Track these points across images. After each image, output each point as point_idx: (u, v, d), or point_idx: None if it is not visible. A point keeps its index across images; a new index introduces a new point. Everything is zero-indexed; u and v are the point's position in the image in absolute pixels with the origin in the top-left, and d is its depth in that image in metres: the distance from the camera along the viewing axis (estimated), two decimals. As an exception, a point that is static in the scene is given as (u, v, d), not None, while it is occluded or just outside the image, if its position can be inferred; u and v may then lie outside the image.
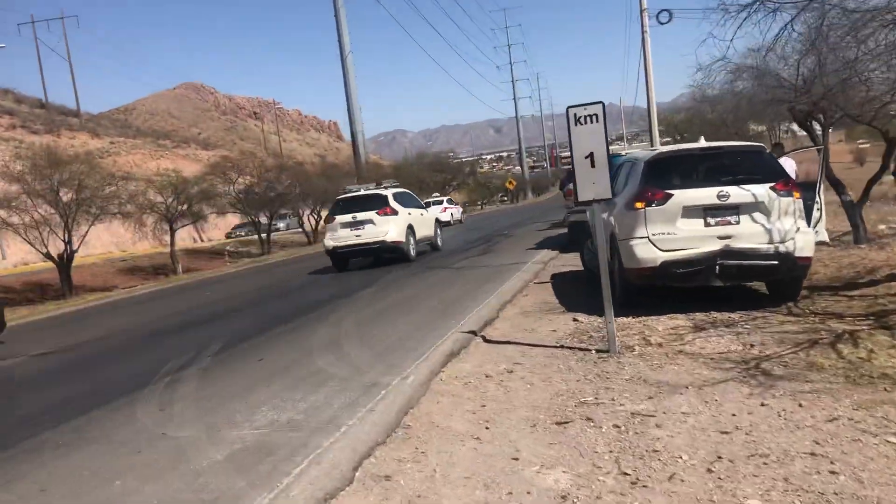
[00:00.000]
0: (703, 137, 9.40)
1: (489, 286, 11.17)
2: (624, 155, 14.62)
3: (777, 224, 7.67)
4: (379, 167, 57.01)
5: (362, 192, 18.74)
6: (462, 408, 5.36)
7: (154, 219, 27.28)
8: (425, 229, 19.38)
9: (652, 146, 26.02)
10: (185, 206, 27.74)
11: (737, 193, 7.68)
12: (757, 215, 7.71)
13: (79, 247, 23.42)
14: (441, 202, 39.87)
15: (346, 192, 18.81)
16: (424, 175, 57.84)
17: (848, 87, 11.98)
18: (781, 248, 7.62)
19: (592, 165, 6.37)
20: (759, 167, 7.98)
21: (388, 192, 18.11)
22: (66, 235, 22.65)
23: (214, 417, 5.58)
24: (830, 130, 14.08)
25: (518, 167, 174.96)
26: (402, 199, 18.60)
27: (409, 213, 18.24)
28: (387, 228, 17.17)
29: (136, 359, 9.07)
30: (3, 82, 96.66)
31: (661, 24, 24.16)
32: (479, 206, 76.08)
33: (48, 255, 22.53)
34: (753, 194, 7.67)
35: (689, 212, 7.76)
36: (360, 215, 17.37)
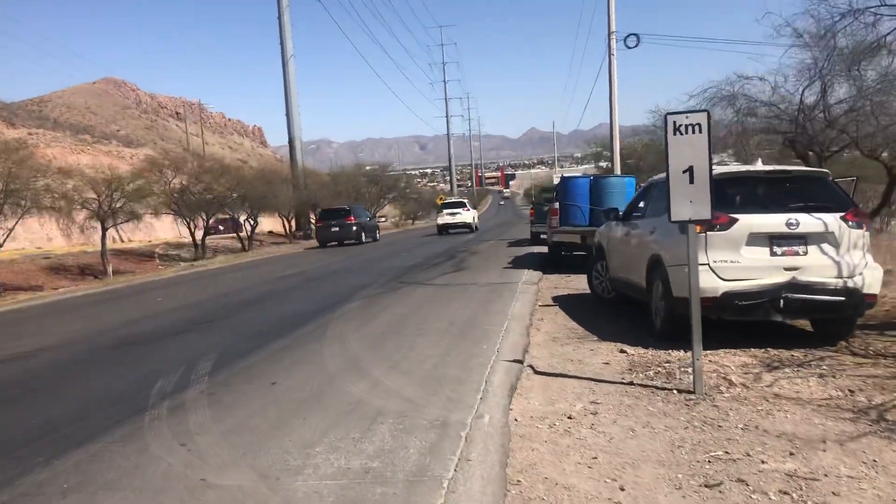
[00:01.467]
0: (760, 160, 8.84)
1: (495, 307, 10.36)
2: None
3: (846, 257, 7.14)
4: (315, 174, 55.56)
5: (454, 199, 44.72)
6: (569, 459, 4.49)
7: (84, 216, 25.29)
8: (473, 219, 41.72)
9: (613, 172, 25.84)
10: (119, 205, 25.82)
11: (806, 222, 7.11)
12: (826, 247, 7.15)
13: (4, 241, 21.38)
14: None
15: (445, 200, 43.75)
16: (361, 186, 56.61)
17: (857, 118, 11.79)
18: (850, 284, 7.07)
19: (691, 181, 5.63)
20: (826, 194, 7.44)
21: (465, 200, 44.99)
22: (-10, 228, 20.65)
23: (259, 460, 4.55)
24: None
25: (442, 185, 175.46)
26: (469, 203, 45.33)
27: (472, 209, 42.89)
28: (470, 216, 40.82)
29: (114, 374, 7.80)
30: None
31: (629, 47, 24.01)
32: (411, 221, 75.25)
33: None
34: (824, 223, 7.11)
35: (755, 239, 7.14)
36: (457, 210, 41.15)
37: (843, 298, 7.06)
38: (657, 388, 6.00)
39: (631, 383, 6.18)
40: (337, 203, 50.40)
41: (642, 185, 11.45)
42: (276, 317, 10.99)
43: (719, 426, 4.97)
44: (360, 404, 5.67)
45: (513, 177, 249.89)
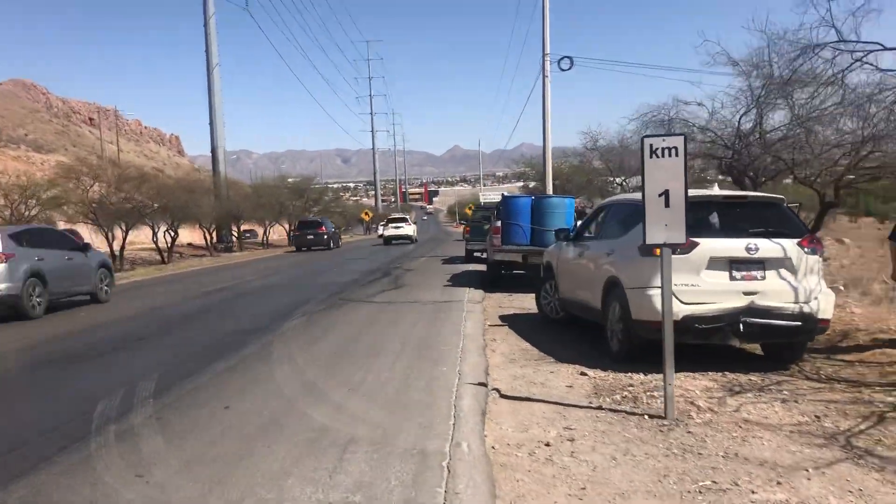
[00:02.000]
0: (716, 185, 8.97)
1: (445, 327, 10.19)
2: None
3: (802, 282, 7.28)
4: (237, 185, 54.28)
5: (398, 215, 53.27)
6: (557, 490, 4.35)
7: (-5, 223, 23.89)
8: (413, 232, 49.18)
9: (546, 192, 26.10)
10: (34, 212, 24.50)
11: (765, 247, 7.22)
12: (783, 272, 7.28)
13: None
14: None
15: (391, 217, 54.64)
16: (285, 198, 55.59)
17: (792, 145, 12.18)
18: (805, 309, 7.21)
19: (667, 205, 5.61)
20: (782, 220, 7.59)
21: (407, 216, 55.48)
22: None
23: (229, 494, 4.23)
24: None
25: (365, 199, 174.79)
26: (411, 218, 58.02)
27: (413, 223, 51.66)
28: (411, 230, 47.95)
29: (48, 396, 7.22)
30: None
31: (563, 70, 24.36)
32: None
33: None
34: (782, 249, 7.23)
35: (715, 263, 7.20)
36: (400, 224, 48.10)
37: (799, 323, 7.18)
38: (627, 412, 5.93)
39: (600, 408, 6.10)
40: (260, 215, 49.53)
41: (584, 206, 11.55)
42: (215, 334, 10.51)
43: (699, 454, 4.91)
44: (327, 431, 5.39)
45: (436, 193, 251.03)
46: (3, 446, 5.44)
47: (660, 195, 5.63)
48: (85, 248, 16.10)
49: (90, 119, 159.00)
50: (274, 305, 13.75)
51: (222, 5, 77.91)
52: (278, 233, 61.36)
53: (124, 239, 31.69)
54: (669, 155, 5.60)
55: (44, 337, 11.38)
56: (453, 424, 5.42)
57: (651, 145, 5.63)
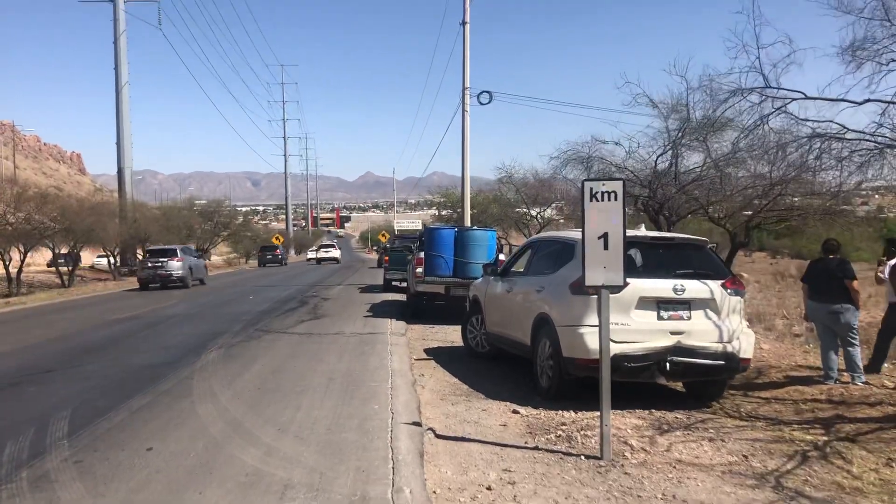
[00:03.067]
0: (643, 225, 9.19)
1: (371, 361, 10.02)
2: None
3: (725, 322, 7.52)
4: (144, 207, 52.40)
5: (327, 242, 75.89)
6: (505, 537, 4.29)
7: None
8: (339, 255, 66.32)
9: (464, 223, 26.29)
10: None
11: (691, 288, 7.44)
12: (708, 312, 7.51)
13: None
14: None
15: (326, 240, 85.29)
16: (194, 221, 54.08)
17: (707, 186, 12.67)
18: (728, 348, 7.45)
19: (606, 247, 5.71)
20: (706, 262, 7.84)
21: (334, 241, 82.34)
22: None
23: (162, 548, 3.99)
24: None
25: (275, 223, 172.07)
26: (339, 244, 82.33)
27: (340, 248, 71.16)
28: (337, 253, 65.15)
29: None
30: None
31: (482, 104, 24.70)
32: (244, 260, 72.73)
33: None
34: (708, 289, 7.47)
35: (644, 303, 7.37)
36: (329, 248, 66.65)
37: (722, 362, 7.41)
38: (563, 453, 5.95)
39: (536, 448, 6.10)
40: (168, 239, 47.84)
41: (500, 238, 11.61)
42: (129, 368, 9.99)
43: (639, 496, 4.97)
44: (261, 475, 5.18)
45: (348, 219, 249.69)
46: None
47: (599, 237, 5.72)
48: None
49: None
50: (188, 336, 13.22)
51: (133, 22, 75.75)
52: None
53: (22, 261, 30.07)
54: (609, 199, 5.72)
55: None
56: (392, 468, 5.29)
57: (591, 189, 5.74)
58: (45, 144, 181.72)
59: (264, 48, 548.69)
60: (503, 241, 24.87)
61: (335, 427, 6.53)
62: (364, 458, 5.55)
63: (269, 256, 58.77)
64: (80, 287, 32.45)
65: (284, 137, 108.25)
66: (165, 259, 28.33)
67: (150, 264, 28.45)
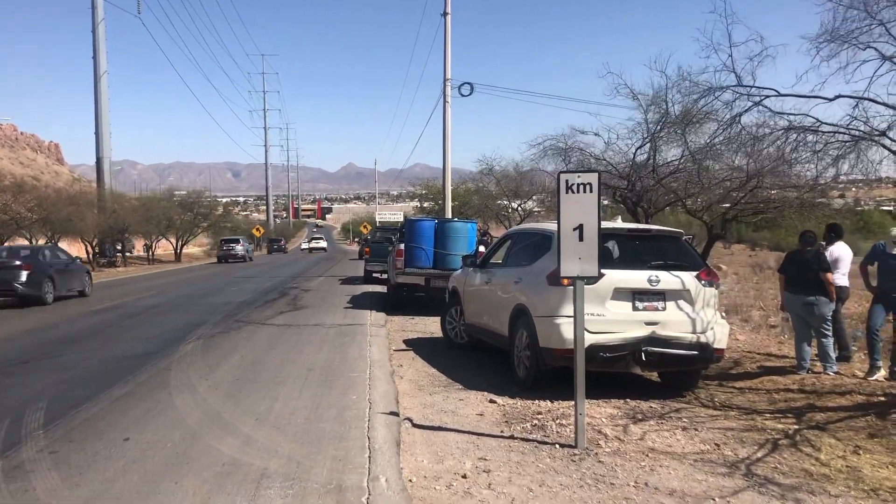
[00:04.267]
0: (619, 217, 9.27)
1: (351, 352, 10.07)
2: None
3: (700, 313, 7.62)
4: (123, 198, 51.95)
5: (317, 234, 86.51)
6: (479, 524, 4.35)
7: None
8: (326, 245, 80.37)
9: (445, 215, 26.31)
10: None
11: (666, 279, 7.53)
12: (682, 303, 7.60)
13: None
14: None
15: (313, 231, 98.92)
16: (174, 212, 53.72)
17: (684, 178, 12.78)
18: (702, 339, 7.55)
19: (581, 239, 5.77)
20: (681, 254, 7.93)
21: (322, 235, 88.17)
22: None
23: (137, 537, 4.01)
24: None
25: (256, 214, 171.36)
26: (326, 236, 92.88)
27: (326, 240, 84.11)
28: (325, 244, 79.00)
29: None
30: None
31: (463, 96, 24.71)
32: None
33: None
34: (682, 281, 7.56)
35: (620, 294, 7.45)
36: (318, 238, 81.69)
37: (696, 353, 7.51)
38: (539, 441, 6.02)
39: (512, 437, 6.16)
40: (147, 230, 47.44)
41: (484, 229, 11.65)
42: (105, 358, 9.95)
43: (612, 483, 5.04)
44: (237, 465, 5.21)
45: (329, 210, 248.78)
46: None
47: (574, 229, 5.78)
48: None
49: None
50: (167, 327, 13.18)
51: (112, 11, 74.94)
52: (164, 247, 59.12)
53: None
54: (584, 191, 5.77)
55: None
56: (369, 457, 5.35)
57: (567, 181, 5.79)
58: (21, 134, 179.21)
59: (245, 38, 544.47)
60: (489, 235, 24.91)
61: (313, 417, 6.57)
62: (341, 448, 5.59)
63: (226, 248, 49.75)
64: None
65: (265, 127, 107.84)
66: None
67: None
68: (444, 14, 26.77)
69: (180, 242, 55.95)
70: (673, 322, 7.51)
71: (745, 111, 8.34)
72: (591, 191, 5.78)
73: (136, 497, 4.62)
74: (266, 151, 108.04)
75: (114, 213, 41.48)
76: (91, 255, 41.30)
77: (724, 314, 13.15)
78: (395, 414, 6.76)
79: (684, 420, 6.81)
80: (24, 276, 18.12)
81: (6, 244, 29.44)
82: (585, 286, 7.15)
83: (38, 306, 17.59)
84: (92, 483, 4.89)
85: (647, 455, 5.69)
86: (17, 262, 18.46)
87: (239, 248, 49.57)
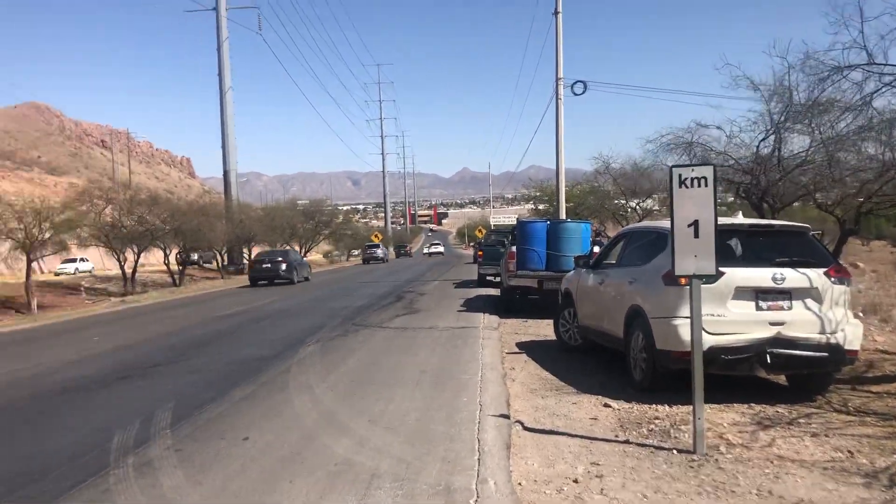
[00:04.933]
0: (740, 213, 8.87)
1: (463, 354, 10.09)
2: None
3: (829, 313, 7.14)
4: (249, 208, 54.43)
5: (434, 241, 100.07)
6: (591, 530, 4.22)
7: (9, 246, 24.00)
8: (444, 250, 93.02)
9: (559, 216, 26.02)
10: (47, 235, 24.58)
11: (791, 277, 7.10)
12: (809, 302, 7.15)
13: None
14: None
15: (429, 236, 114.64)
16: (297, 221, 55.75)
17: (814, 171, 12.05)
18: (832, 340, 7.07)
19: (696, 235, 5.52)
20: (808, 250, 7.47)
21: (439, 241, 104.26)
22: None
23: (253, 533, 4.12)
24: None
25: (375, 221, 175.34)
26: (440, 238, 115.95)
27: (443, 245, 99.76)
28: (442, 248, 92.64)
29: (64, 425, 7.12)
30: None
31: (576, 94, 24.34)
32: (345, 258, 74.39)
33: None
34: (808, 279, 7.11)
35: (741, 293, 7.09)
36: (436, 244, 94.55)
37: (826, 354, 7.05)
38: (655, 447, 5.80)
39: (627, 442, 5.97)
40: (272, 238, 49.52)
41: (599, 229, 11.40)
42: (230, 361, 10.41)
43: (732, 491, 4.78)
44: (350, 465, 5.29)
45: (445, 215, 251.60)
46: (25, 479, 5.36)
47: (689, 225, 5.54)
48: None
49: (102, 141, 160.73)
50: (288, 331, 13.67)
51: (235, 29, 78.60)
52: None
53: (136, 262, 31.75)
54: (699, 185, 5.52)
55: (56, 363, 11.33)
56: (478, 459, 5.31)
57: (680, 175, 5.56)
58: (157, 150, 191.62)
59: (361, 49, 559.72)
60: (604, 235, 24.43)
61: (424, 418, 6.60)
62: (451, 449, 5.58)
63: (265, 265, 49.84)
64: (191, 285, 34.00)
65: (382, 136, 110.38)
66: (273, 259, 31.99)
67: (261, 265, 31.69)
68: (556, 13, 26.51)
69: (303, 250, 58.02)
70: (800, 322, 7.07)
71: (877, 92, 7.75)
72: (706, 185, 5.52)
73: (252, 495, 4.78)
74: (383, 160, 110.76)
75: (240, 222, 43.48)
76: (220, 264, 43.46)
77: (859, 314, 12.33)
78: (506, 416, 6.69)
79: (814, 426, 6.39)
80: (283, 266, 31.17)
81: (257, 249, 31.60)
82: (704, 285, 6.87)
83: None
84: (213, 481, 5.09)
85: (772, 462, 5.37)
86: (280, 258, 31.85)
87: (379, 252, 62.27)
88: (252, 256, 38.57)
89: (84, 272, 44.11)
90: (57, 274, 43.00)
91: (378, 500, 4.57)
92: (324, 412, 7.02)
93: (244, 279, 37.51)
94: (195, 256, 45.14)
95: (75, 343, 13.87)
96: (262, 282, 31.16)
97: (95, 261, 44.03)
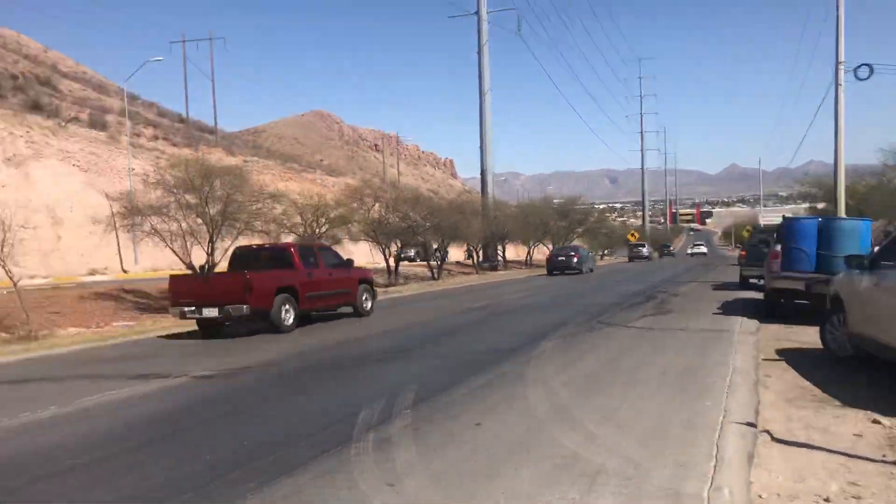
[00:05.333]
0: None
1: (712, 357, 9.49)
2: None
3: None
4: (504, 206, 55.84)
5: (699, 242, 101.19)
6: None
7: (293, 240, 26.86)
8: (707, 250, 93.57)
9: (837, 214, 23.59)
10: (323, 230, 27.15)
11: None
12: None
13: (221, 260, 23.01)
14: None
15: (691, 236, 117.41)
16: (549, 219, 56.16)
17: None
18: None
19: None
20: None
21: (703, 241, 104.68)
22: (210, 247, 22.27)
23: (472, 514, 4.16)
24: None
25: (633, 220, 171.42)
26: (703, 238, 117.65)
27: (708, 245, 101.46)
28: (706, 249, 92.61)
29: (318, 399, 7.82)
30: (149, 95, 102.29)
31: (860, 79, 21.85)
32: (600, 257, 73.61)
33: (190, 266, 22.17)
34: None
35: None
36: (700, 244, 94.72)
37: None
38: (935, 473, 4.99)
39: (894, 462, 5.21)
40: (524, 236, 50.37)
41: (886, 233, 10.08)
42: (473, 351, 10.75)
43: None
44: (576, 459, 5.16)
45: (709, 214, 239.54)
46: (276, 443, 5.94)
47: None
48: (348, 263, 17.40)
49: (375, 145, 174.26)
50: (532, 325, 13.81)
51: (494, 31, 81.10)
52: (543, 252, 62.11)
53: (398, 256, 33.88)
54: None
55: (316, 344, 12.42)
56: (714, 466, 4.92)
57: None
58: (423, 152, 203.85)
59: (620, 43, 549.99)
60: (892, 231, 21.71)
61: (660, 420, 6.28)
62: (685, 454, 5.24)
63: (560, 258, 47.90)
64: (448, 279, 35.66)
65: (641, 133, 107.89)
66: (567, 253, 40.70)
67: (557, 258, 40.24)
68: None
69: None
70: None
71: None
72: None
73: (478, 477, 4.84)
74: (642, 157, 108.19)
75: (495, 219, 44.77)
76: (475, 259, 45.07)
77: None
78: (753, 425, 6.15)
79: None
80: (575, 260, 39.30)
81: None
82: None
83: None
84: (443, 461, 5.24)
85: None
86: (572, 253, 40.42)
87: (644, 251, 69.30)
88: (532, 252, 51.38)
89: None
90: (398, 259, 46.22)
91: (601, 496, 4.40)
92: (556, 406, 6.94)
93: (497, 274, 38.66)
94: (412, 253, 47.61)
95: (340, 326, 15.11)
96: (556, 272, 38.99)
97: (364, 255, 47.57)
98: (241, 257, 15.90)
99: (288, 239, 26.59)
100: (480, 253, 46.75)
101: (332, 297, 16.30)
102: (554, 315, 15.60)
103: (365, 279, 17.75)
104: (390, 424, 6.32)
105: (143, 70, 67.21)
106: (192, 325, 15.16)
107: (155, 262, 38.94)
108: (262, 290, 13.83)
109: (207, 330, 14.67)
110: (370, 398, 7.28)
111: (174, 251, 22.06)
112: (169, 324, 16.55)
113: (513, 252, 62.05)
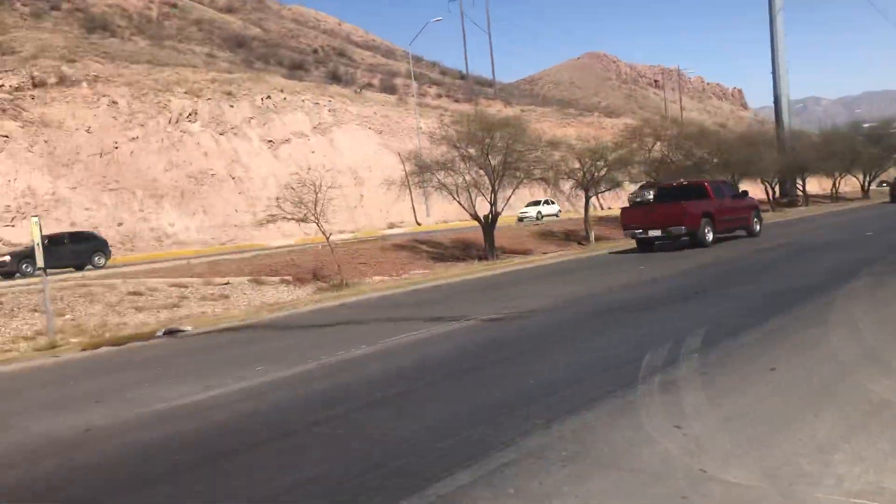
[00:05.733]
0: None
1: None
2: None
3: None
4: (802, 135, 50.94)
5: None
6: None
7: (570, 185, 27.05)
8: None
9: None
10: (602, 173, 26.96)
11: None
12: None
13: (503, 209, 23.91)
14: None
15: None
16: (858, 146, 50.15)
17: None
18: None
19: None
20: None
21: None
22: (493, 197, 23.22)
23: (765, 457, 4.02)
24: None
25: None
26: None
27: None
28: None
29: (602, 341, 7.86)
30: (432, 55, 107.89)
31: None
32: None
33: (475, 216, 23.34)
34: None
35: None
36: None
37: None
38: None
39: None
40: (828, 167, 45.54)
41: None
42: (768, 292, 10.11)
43: None
44: (889, 407, 4.73)
45: None
46: (564, 382, 6.18)
47: None
48: (743, 195, 21.82)
49: (655, 81, 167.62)
50: (835, 263, 12.67)
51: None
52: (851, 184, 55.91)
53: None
54: None
55: (604, 287, 12.53)
56: None
57: None
58: (707, 84, 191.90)
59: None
60: None
61: None
62: None
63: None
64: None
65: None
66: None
67: None
68: None
69: (868, 178, 52.31)
70: None
71: None
72: None
73: (770, 422, 4.64)
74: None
75: (792, 150, 41.16)
76: (771, 196, 41.91)
77: None
78: None
79: None
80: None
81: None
82: None
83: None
84: (733, 405, 5.08)
85: None
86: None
87: None
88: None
89: (549, 215, 42.93)
90: (520, 219, 41.32)
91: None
92: (865, 349, 6.35)
93: (798, 210, 35.75)
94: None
95: (626, 271, 15.08)
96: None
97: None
98: (665, 192, 21.32)
99: (566, 185, 26.89)
100: (777, 188, 43.34)
101: (734, 220, 20.45)
102: (861, 252, 14.17)
103: (755, 206, 21.94)
104: (676, 368, 6.19)
105: (425, 32, 70.96)
106: (628, 245, 20.58)
107: (445, 214, 41.61)
108: (693, 215, 18.30)
109: (644, 247, 19.41)
110: (656, 341, 7.22)
111: (460, 203, 23.35)
112: (459, 271, 17.64)
113: (815, 185, 56.68)
